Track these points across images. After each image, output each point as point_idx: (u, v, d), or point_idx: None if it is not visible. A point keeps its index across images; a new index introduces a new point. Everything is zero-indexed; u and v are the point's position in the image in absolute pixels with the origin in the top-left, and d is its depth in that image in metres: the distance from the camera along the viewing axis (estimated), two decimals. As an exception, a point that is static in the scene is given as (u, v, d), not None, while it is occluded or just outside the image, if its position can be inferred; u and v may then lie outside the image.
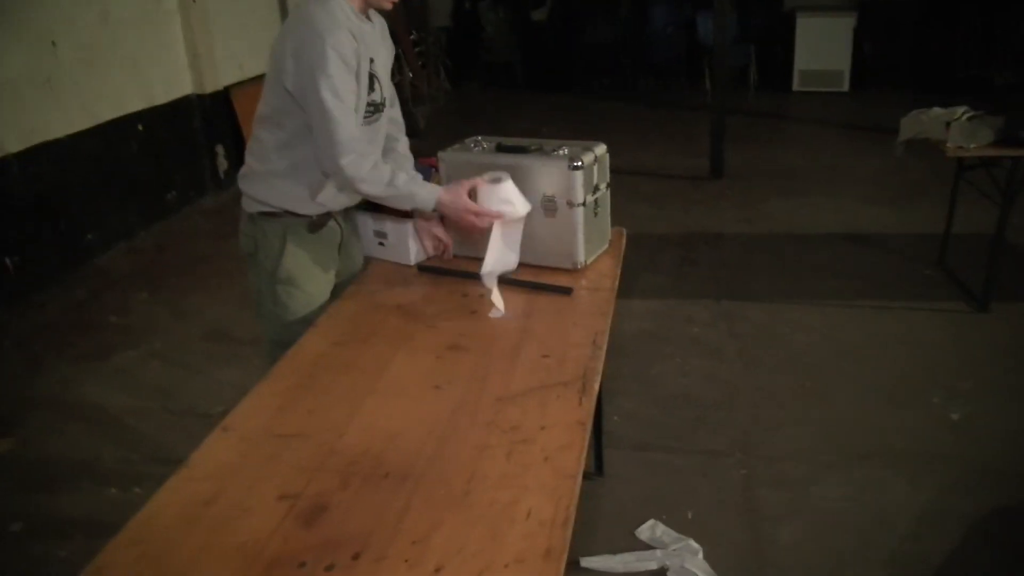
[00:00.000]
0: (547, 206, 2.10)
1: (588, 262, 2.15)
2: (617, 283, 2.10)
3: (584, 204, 2.08)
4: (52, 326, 3.91)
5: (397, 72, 8.08)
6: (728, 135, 5.89)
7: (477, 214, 1.97)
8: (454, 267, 2.21)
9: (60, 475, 2.79)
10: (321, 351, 1.81)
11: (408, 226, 2.22)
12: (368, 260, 2.32)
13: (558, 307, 1.98)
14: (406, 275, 2.22)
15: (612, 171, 2.21)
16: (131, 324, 3.93)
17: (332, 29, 1.82)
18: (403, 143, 2.30)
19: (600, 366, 1.68)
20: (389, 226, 2.26)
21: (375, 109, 2.03)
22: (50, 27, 4.40)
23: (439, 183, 2.30)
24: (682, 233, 4.84)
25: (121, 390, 3.32)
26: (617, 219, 2.32)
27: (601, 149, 2.17)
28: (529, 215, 2.07)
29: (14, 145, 4.14)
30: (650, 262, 4.38)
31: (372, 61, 1.98)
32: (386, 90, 2.09)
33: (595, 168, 2.13)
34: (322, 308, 2.08)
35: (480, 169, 2.15)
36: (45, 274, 4.32)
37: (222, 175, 5.96)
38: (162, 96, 5.40)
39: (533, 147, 2.15)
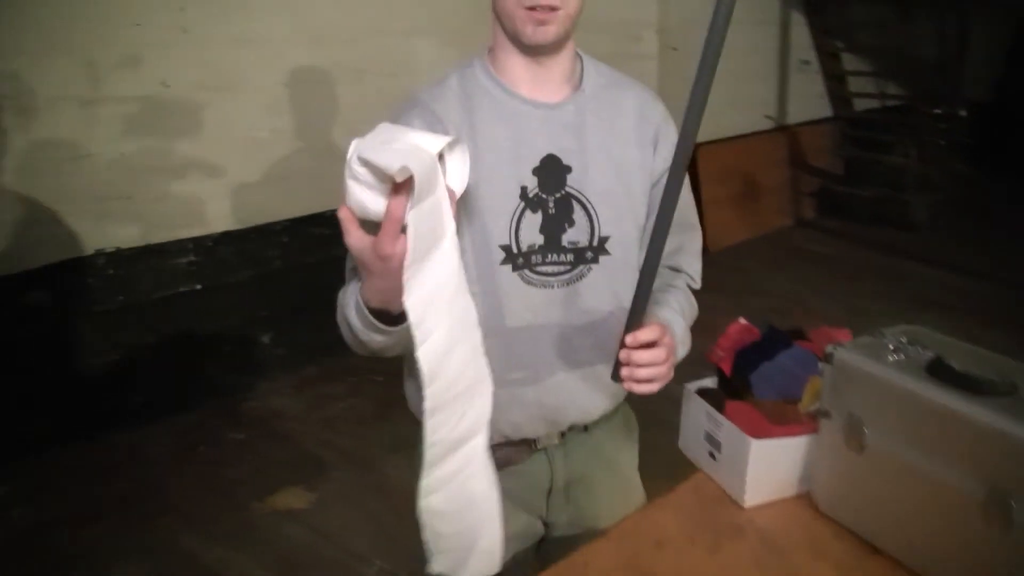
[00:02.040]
0: (995, 505, 1.11)
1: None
2: None
3: (1077, 527, 1.06)
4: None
5: (903, 154, 6.80)
6: None
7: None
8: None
9: (321, 561, 2.55)
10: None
11: (750, 442, 1.38)
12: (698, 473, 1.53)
13: None
14: (727, 522, 1.38)
15: None
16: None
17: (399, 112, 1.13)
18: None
19: None
20: (725, 432, 1.45)
21: (573, 261, 1.15)
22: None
23: (817, 389, 1.42)
24: None
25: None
26: None
27: None
28: (959, 519, 1.12)
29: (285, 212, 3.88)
30: None
31: (567, 170, 1.11)
32: (610, 221, 1.17)
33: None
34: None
35: (889, 394, 1.25)
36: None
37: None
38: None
39: (998, 384, 1.17)
